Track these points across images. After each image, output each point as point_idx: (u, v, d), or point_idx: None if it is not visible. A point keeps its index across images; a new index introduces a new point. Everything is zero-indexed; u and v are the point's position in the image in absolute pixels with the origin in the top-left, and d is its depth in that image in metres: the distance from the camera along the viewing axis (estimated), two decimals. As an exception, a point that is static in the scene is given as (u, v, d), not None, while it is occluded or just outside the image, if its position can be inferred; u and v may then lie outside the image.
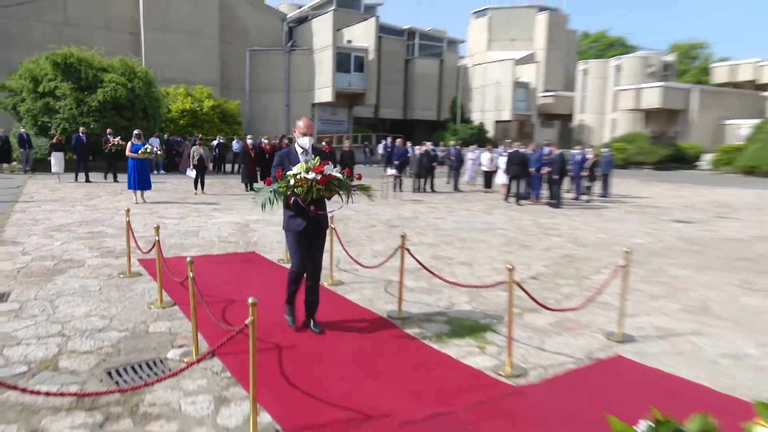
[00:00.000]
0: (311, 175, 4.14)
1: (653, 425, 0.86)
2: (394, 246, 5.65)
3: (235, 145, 24.40)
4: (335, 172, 4.26)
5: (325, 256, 5.02)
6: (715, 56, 66.90)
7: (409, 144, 22.93)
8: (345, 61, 36.71)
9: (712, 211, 14.92)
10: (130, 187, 13.51)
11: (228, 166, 25.42)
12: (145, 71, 23.89)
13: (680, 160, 36.07)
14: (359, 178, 4.45)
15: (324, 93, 36.36)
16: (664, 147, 36.37)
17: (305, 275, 4.77)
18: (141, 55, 30.39)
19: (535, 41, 49.52)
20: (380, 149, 29.76)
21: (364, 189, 4.50)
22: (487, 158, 19.75)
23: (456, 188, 19.65)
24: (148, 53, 31.59)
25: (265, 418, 3.33)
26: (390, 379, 3.91)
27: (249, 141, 17.90)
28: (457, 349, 4.55)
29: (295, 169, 4.23)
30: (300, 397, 3.61)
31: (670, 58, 48.09)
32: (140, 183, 13.34)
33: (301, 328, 4.83)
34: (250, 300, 3.04)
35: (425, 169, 18.55)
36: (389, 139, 26.98)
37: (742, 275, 7.43)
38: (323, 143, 18.82)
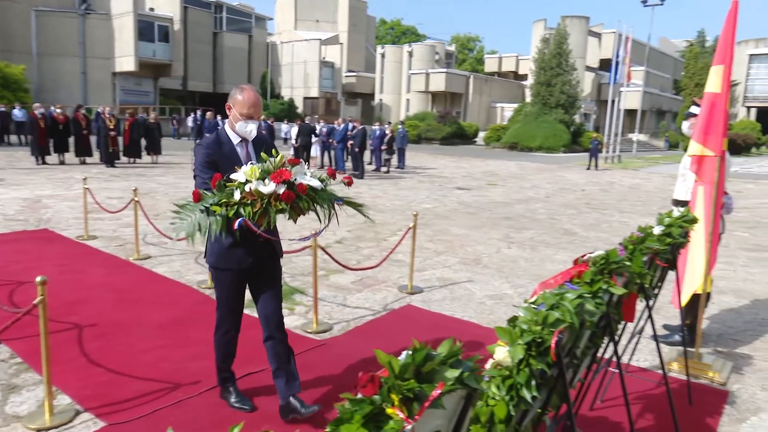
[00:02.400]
0: (269, 188, 2.33)
1: (411, 352, 0.96)
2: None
3: (17, 113, 20.85)
4: (309, 177, 2.48)
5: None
6: (487, 49, 74.79)
7: (219, 117, 21.83)
8: (148, 29, 33.34)
9: (484, 179, 16.80)
10: None
11: (13, 138, 21.68)
12: None
13: (462, 137, 39.80)
14: (349, 183, 2.61)
15: (126, 62, 32.69)
16: (448, 125, 39.75)
17: (266, 336, 3.02)
18: None
19: (338, 24, 50.09)
20: (190, 122, 27.92)
21: (356, 206, 2.77)
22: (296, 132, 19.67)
23: (267, 161, 19.27)
24: None
25: (63, 400, 3.00)
26: (199, 346, 3.76)
27: (39, 110, 15.46)
28: (268, 312, 4.54)
29: (241, 175, 2.38)
30: (102, 374, 3.31)
31: (451, 48, 52.40)
32: None
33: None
34: (38, 279, 2.68)
35: (236, 142, 18.01)
36: (199, 112, 25.37)
37: (505, 231, 8.54)
38: (126, 114, 17.04)
